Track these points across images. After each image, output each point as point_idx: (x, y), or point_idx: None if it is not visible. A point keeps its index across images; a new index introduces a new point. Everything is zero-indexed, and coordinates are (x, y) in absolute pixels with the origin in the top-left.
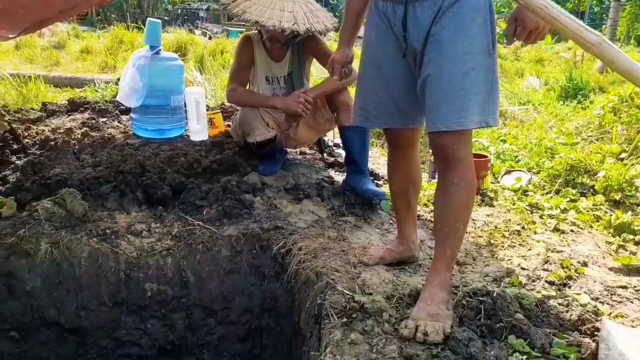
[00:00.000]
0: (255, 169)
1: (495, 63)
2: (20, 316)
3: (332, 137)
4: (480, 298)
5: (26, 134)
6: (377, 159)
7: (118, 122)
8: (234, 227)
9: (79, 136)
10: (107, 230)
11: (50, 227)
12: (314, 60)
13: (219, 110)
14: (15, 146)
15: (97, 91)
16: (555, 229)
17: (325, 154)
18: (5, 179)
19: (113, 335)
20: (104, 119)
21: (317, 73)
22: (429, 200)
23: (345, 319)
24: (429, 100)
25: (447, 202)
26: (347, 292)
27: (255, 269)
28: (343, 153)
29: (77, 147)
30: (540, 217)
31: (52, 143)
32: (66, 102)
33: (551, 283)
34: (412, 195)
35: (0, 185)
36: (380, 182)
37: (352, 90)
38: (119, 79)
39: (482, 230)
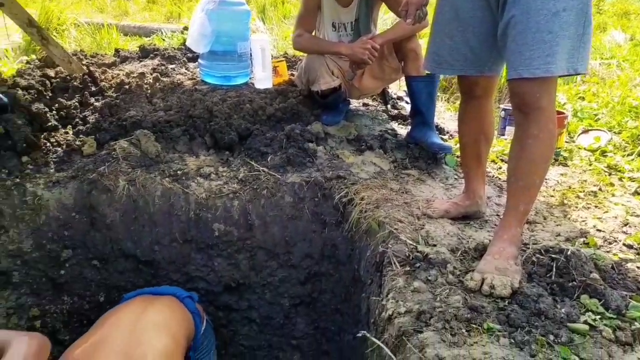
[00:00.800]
0: (318, 118)
1: (589, 3)
2: (101, 247)
3: (398, 87)
4: (553, 255)
5: (103, 77)
6: (442, 114)
7: (186, 69)
8: (297, 175)
9: (151, 81)
10: (178, 172)
11: (127, 165)
12: (382, 5)
13: (283, 59)
14: (93, 88)
15: (164, 40)
16: (636, 193)
17: (388, 106)
18: (86, 119)
19: (183, 270)
20: (173, 66)
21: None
22: (497, 157)
23: (408, 268)
24: (512, 44)
25: (525, 155)
26: (411, 242)
27: (317, 216)
28: (407, 106)
29: (149, 91)
30: (620, 179)
31: (127, 87)
32: (137, 48)
33: (629, 247)
34: (483, 148)
35: (81, 125)
36: (446, 137)
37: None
38: (185, 28)
39: (554, 190)
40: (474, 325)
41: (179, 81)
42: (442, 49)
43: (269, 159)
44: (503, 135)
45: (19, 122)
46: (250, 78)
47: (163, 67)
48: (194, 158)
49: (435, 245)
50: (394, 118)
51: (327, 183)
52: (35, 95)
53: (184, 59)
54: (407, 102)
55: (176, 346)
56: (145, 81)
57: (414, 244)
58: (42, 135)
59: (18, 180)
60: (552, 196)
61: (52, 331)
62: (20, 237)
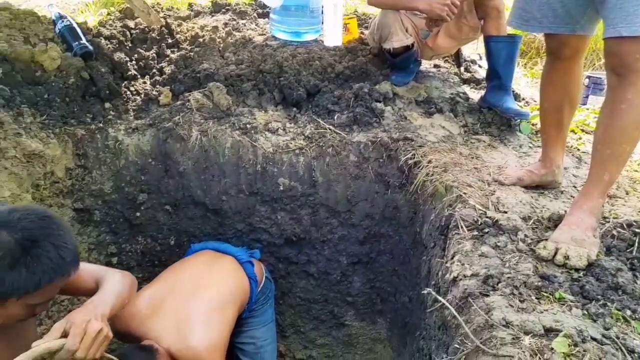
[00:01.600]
0: (387, 78)
1: None
2: (174, 193)
3: (476, 47)
4: (636, 230)
5: (178, 30)
6: (519, 80)
7: (256, 24)
8: (363, 134)
9: (224, 35)
10: (247, 125)
11: (199, 116)
12: None
13: (354, 16)
14: (169, 40)
15: None
16: None
17: (461, 69)
18: (162, 70)
19: (247, 220)
20: (244, 21)
21: None
22: (577, 127)
23: (475, 233)
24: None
25: (616, 120)
26: (480, 208)
27: (381, 177)
28: (480, 70)
29: (221, 45)
30: None
31: (201, 40)
32: (210, 3)
33: None
34: (566, 114)
35: (158, 76)
36: (521, 104)
37: None
38: None
39: (639, 165)
40: (544, 294)
41: (250, 36)
42: (530, 3)
43: (335, 117)
44: (584, 104)
45: (102, 70)
46: (320, 35)
47: (234, 22)
48: (263, 112)
49: (506, 212)
50: (466, 81)
51: (393, 144)
52: (117, 45)
53: (254, 14)
54: (480, 66)
55: (232, 304)
56: (218, 35)
57: (484, 210)
58: (123, 84)
59: (101, 125)
60: (636, 171)
61: (127, 268)
62: (102, 179)
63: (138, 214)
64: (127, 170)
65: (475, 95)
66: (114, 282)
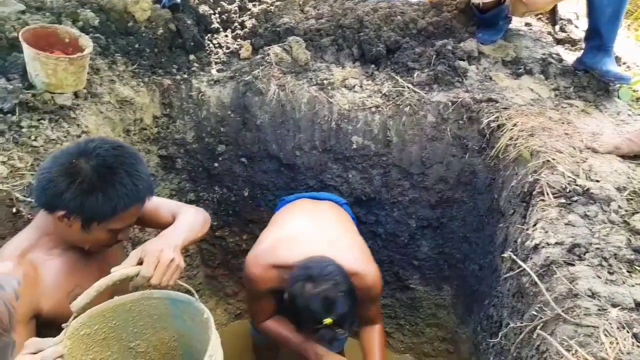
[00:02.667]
0: (473, 35)
1: None
2: (250, 146)
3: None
4: None
5: None
6: (621, 42)
7: None
8: (443, 94)
9: None
10: (324, 81)
11: (278, 70)
12: None
13: None
14: None
15: None
16: None
17: (556, 27)
18: (244, 24)
19: (319, 177)
20: None
21: None
22: None
23: (562, 200)
24: None
25: None
26: (569, 175)
27: (459, 140)
28: (577, 30)
29: None
30: None
31: None
32: None
33: None
34: None
35: (239, 29)
36: (622, 68)
37: None
38: None
39: None
40: (637, 268)
41: None
42: None
43: (415, 75)
44: None
45: (188, 22)
46: None
47: None
48: (340, 69)
49: (598, 181)
50: (560, 42)
51: (475, 105)
52: None
53: None
54: (576, 27)
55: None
56: None
57: (573, 177)
58: (207, 37)
59: (186, 76)
60: None
61: None
62: (185, 128)
63: (216, 164)
64: (208, 121)
65: (570, 57)
66: (189, 216)
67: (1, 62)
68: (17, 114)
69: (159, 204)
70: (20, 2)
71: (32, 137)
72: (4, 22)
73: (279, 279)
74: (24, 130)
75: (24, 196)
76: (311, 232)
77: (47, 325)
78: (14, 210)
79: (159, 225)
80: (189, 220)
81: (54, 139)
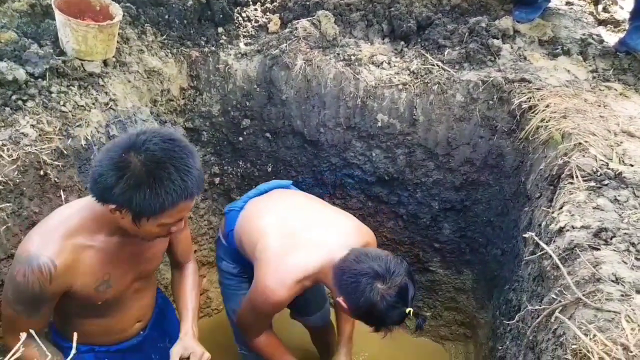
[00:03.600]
0: (509, 13)
1: None
2: (275, 121)
3: None
4: None
5: None
6: None
7: None
8: (474, 73)
9: None
10: (352, 57)
11: (305, 45)
12: None
13: None
14: None
15: None
16: None
17: (599, 7)
18: None
19: (342, 155)
20: None
21: None
22: None
23: (592, 184)
24: None
25: None
26: (602, 158)
27: (488, 120)
28: (620, 11)
29: None
30: None
31: None
32: None
33: None
34: None
35: (269, 3)
36: None
37: None
38: None
39: None
40: None
41: None
42: None
43: (445, 53)
44: None
45: None
46: None
47: None
48: (369, 45)
49: (632, 166)
50: (602, 22)
51: (507, 85)
52: None
53: None
54: (621, 7)
55: None
56: None
57: (606, 160)
58: (236, 9)
59: (213, 48)
60: None
61: (227, 189)
62: (211, 101)
63: (241, 138)
64: (234, 94)
65: (611, 38)
66: (196, 294)
67: (35, 29)
68: (47, 79)
69: (184, 239)
70: None
71: (61, 102)
72: None
73: (301, 288)
74: (53, 95)
75: (52, 160)
76: (307, 227)
77: (68, 297)
78: (42, 172)
79: (170, 252)
80: (198, 304)
81: (82, 105)
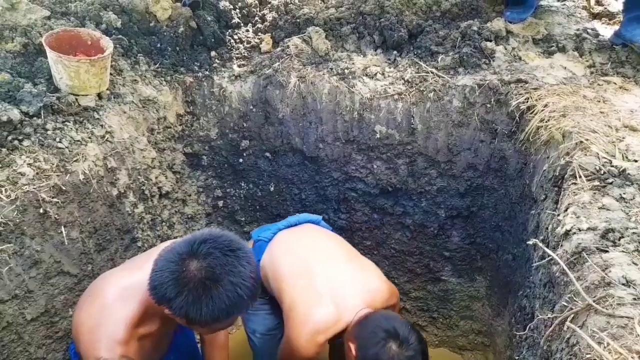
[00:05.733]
0: (500, 14)
1: None
2: (273, 140)
3: None
4: None
5: None
6: None
7: None
8: (469, 77)
9: None
10: (345, 70)
11: (298, 62)
12: None
13: None
14: None
15: None
16: None
17: (592, 1)
18: (264, 17)
19: (343, 169)
20: None
21: None
22: None
23: (596, 183)
24: None
25: None
26: (604, 156)
27: (487, 124)
28: (615, 2)
29: None
30: None
31: None
32: None
33: None
34: None
35: (260, 23)
36: None
37: None
38: None
39: None
40: None
41: None
42: None
43: (439, 59)
44: None
45: (208, 19)
46: None
47: None
48: (362, 57)
49: (636, 161)
50: (596, 16)
51: (503, 87)
52: None
53: None
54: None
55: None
56: None
57: (608, 158)
58: (227, 32)
59: (207, 72)
60: None
61: (232, 212)
62: (208, 125)
63: (241, 160)
64: (231, 117)
65: (607, 31)
66: None
67: (29, 68)
68: (42, 116)
69: (222, 346)
70: (46, 8)
71: (57, 139)
72: (30, 29)
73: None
74: (49, 132)
75: (51, 197)
76: (331, 277)
77: None
78: (42, 210)
79: (206, 344)
80: None
81: (78, 140)
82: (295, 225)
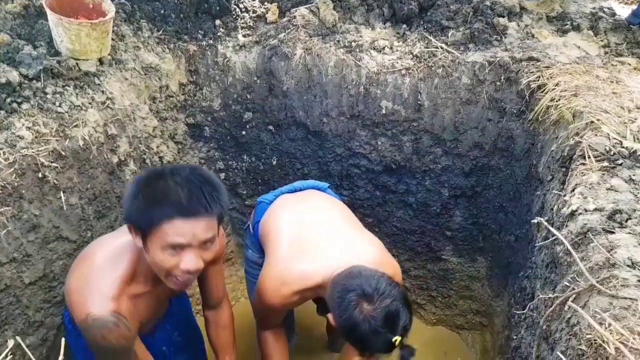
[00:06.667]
0: None
1: None
2: (277, 113)
3: None
4: None
5: None
6: None
7: None
8: (479, 54)
9: None
10: (352, 43)
11: (305, 33)
12: None
13: None
14: None
15: None
16: None
17: None
18: None
19: (347, 145)
20: None
21: None
22: None
23: (606, 164)
24: None
25: None
26: (615, 136)
27: (496, 102)
28: None
29: None
30: None
31: None
32: None
33: None
34: None
35: None
36: None
37: None
38: None
39: None
40: None
41: None
42: None
43: (449, 34)
44: None
45: None
46: None
47: None
48: (370, 30)
49: None
50: None
51: (514, 65)
52: None
53: None
54: None
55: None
56: None
57: (619, 139)
58: (233, 1)
59: (211, 41)
60: None
61: (233, 185)
62: (211, 96)
63: (243, 132)
64: (234, 88)
65: (624, 11)
66: (233, 346)
67: (29, 30)
68: (42, 80)
69: (220, 277)
70: None
71: (57, 103)
72: None
73: (301, 298)
74: (48, 96)
75: (50, 161)
76: (321, 237)
77: None
78: (40, 175)
79: (204, 287)
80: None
81: (78, 105)
82: (300, 190)
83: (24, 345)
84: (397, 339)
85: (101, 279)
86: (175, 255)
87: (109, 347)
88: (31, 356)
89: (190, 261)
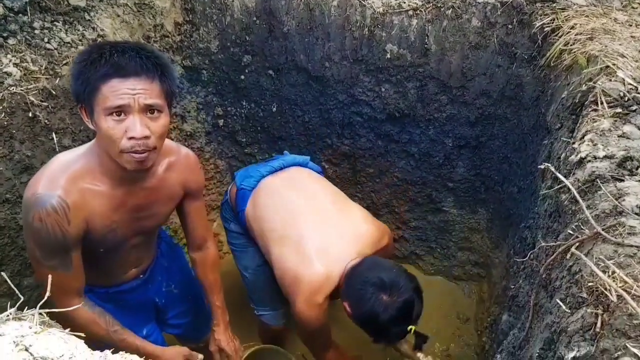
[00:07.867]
0: None
1: None
2: (277, 56)
3: None
4: None
5: None
6: None
7: None
8: None
9: None
10: None
11: None
12: None
13: None
14: None
15: None
16: None
17: None
18: None
19: (350, 91)
20: None
21: None
22: None
23: (619, 110)
24: None
25: None
26: (631, 82)
27: (506, 47)
28: None
29: None
30: None
31: None
32: None
33: None
34: None
35: None
36: None
37: None
38: None
39: None
40: None
41: None
42: None
43: None
44: None
45: None
46: None
47: None
48: None
49: None
50: None
51: (528, 7)
52: None
53: None
54: None
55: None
56: None
57: (635, 84)
58: None
59: None
60: None
61: (232, 131)
62: (209, 37)
63: (242, 76)
64: (232, 28)
65: None
66: (219, 282)
67: None
68: (28, 13)
69: (201, 215)
70: None
71: (46, 39)
72: None
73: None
74: (36, 31)
75: (40, 100)
76: (321, 230)
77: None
78: (31, 114)
79: (187, 227)
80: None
81: (68, 42)
82: (280, 169)
83: (8, 280)
84: (412, 327)
85: (56, 168)
86: (120, 123)
87: (42, 233)
88: (14, 288)
89: (133, 126)
